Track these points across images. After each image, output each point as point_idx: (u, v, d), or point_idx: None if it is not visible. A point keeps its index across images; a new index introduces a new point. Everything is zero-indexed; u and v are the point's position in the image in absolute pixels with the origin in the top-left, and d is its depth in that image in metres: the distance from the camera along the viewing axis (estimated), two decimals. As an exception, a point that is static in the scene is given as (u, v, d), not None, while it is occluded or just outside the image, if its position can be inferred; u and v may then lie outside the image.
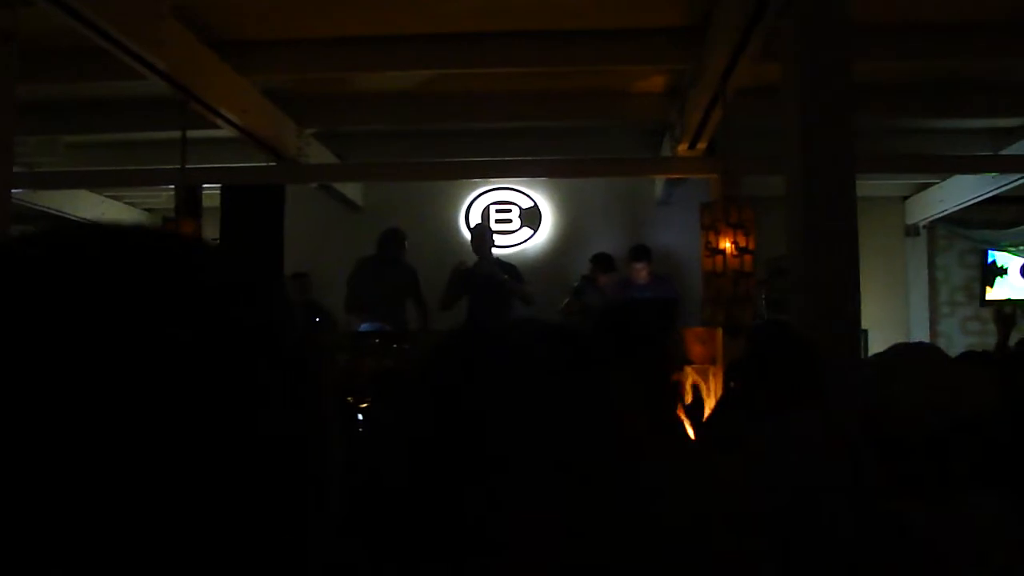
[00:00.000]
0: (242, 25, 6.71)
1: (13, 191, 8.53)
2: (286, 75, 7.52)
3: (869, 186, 10.12)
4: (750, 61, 6.05)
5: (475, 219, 10.40)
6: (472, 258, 8.82)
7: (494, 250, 9.03)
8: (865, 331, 9.45)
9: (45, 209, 9.91)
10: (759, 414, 3.04)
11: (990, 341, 10.49)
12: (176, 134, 7.21)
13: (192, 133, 7.48)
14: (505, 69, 7.43)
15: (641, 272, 9.15)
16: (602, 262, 9.22)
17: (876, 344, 9.62)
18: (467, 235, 10.12)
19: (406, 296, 8.81)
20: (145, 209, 11.30)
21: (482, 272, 8.64)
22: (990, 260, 11.18)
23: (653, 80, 8.10)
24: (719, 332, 7.23)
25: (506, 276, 8.73)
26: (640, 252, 9.23)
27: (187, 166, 7.31)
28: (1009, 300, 10.39)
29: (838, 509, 2.46)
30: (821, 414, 2.83)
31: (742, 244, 6.88)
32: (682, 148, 8.30)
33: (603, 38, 6.91)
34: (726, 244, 6.91)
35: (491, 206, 10.55)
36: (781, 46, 5.10)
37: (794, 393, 2.99)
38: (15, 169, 8.50)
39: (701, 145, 8.14)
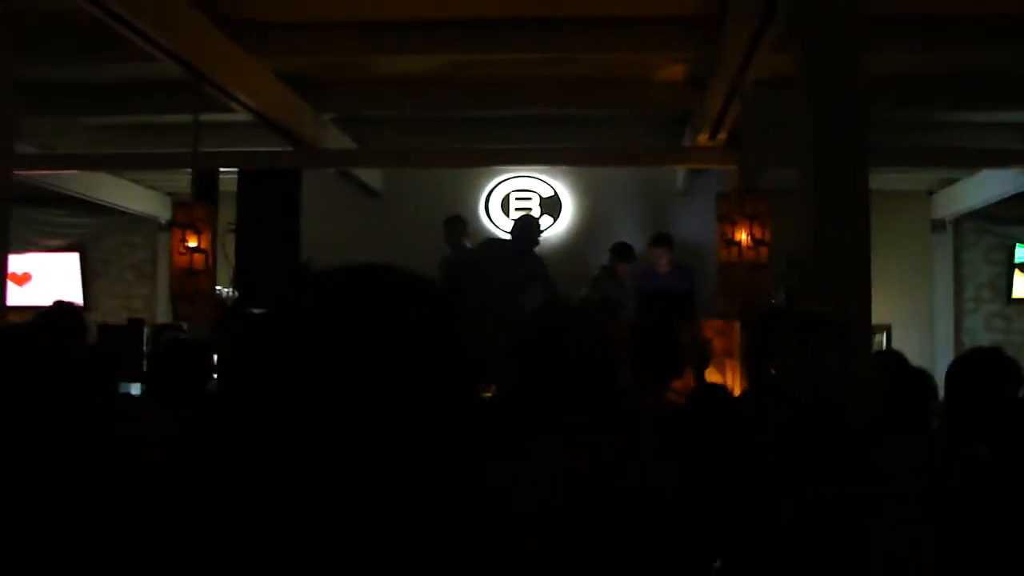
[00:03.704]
0: (254, 6, 6.64)
1: (36, 173, 8.63)
2: (301, 58, 7.44)
3: (893, 180, 9.97)
4: (768, 52, 5.96)
5: (495, 207, 10.37)
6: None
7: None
8: (888, 326, 9.34)
9: (69, 192, 9.90)
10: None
11: (1015, 339, 10.38)
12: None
13: (211, 117, 7.46)
14: (524, 55, 7.39)
15: (662, 258, 9.12)
16: (621, 252, 9.14)
17: (899, 339, 9.49)
18: (489, 223, 10.13)
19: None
20: (167, 193, 11.28)
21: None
22: (1018, 257, 11.05)
23: (673, 69, 8.00)
24: (737, 325, 7.12)
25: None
26: (661, 238, 9.22)
27: (202, 150, 7.29)
28: None
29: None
30: None
31: (758, 236, 6.80)
32: (702, 138, 8.21)
33: (620, 25, 6.85)
34: (742, 235, 6.83)
35: (511, 194, 10.47)
36: (793, 37, 5.01)
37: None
38: (31, 150, 8.56)
39: (721, 136, 8.05)
